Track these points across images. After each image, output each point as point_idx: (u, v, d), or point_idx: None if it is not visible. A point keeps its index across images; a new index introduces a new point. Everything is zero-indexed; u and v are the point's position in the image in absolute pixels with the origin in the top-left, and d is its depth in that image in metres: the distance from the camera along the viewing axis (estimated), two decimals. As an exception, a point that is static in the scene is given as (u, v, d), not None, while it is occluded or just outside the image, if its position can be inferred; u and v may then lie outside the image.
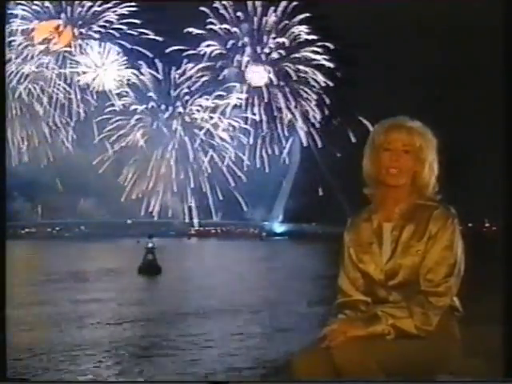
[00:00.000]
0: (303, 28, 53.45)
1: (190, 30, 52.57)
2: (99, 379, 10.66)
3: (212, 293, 21.51)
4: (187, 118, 54.14)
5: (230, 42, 54.17)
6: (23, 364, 11.48)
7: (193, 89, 53.65)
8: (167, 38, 51.85)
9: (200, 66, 53.35)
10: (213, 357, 12.39)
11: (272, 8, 53.45)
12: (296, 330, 14.60)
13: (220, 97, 53.69)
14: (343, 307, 2.69)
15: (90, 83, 53.25)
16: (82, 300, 20.02)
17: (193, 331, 14.93)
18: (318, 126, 53.72)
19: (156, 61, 52.99)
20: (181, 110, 53.94)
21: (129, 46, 53.16)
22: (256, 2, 53.71)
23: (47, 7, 52.57)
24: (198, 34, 53.08)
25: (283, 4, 53.35)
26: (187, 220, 54.62)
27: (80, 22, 53.40)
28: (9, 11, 46.23)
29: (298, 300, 19.55)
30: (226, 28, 54.16)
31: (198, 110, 53.93)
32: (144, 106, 53.62)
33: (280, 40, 54.14)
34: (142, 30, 52.66)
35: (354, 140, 49.46)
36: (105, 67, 53.62)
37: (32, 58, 52.21)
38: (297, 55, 54.02)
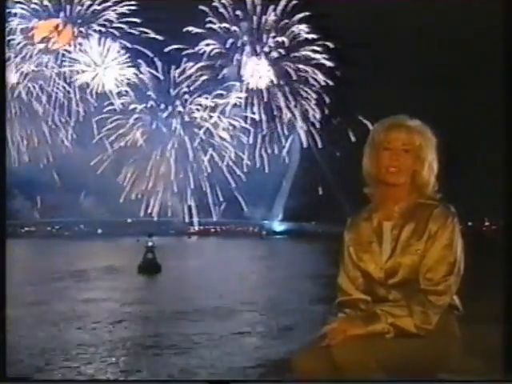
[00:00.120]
0: (303, 27, 53.49)
1: (190, 28, 52.60)
2: (98, 378, 10.66)
3: (212, 291, 21.50)
4: (187, 117, 54.17)
5: (230, 41, 54.21)
6: (23, 364, 11.48)
7: (192, 88, 53.69)
8: (167, 36, 51.90)
9: (199, 64, 53.37)
10: (213, 356, 12.39)
11: (272, 7, 53.50)
12: (295, 328, 14.62)
13: (220, 96, 53.72)
14: (343, 306, 2.69)
15: (89, 82, 53.29)
16: (81, 299, 20.03)
17: (192, 330, 14.93)
18: (317, 125, 53.79)
19: (155, 60, 53.03)
20: (180, 109, 54.00)
21: (128, 45, 53.20)
22: (255, 1, 53.74)
23: (46, 6, 52.57)
24: (197, 32, 53.10)
25: (283, 3, 53.38)
26: (187, 219, 54.68)
27: (79, 21, 53.43)
28: (7, 10, 46.19)
29: (297, 298, 19.56)
30: (225, 27, 54.20)
31: (197, 109, 53.97)
32: (143, 105, 53.66)
33: (280, 39, 54.20)
34: (141, 29, 52.72)
35: (353, 139, 49.52)
36: (104, 66, 53.62)
37: (31, 57, 52.24)
38: (296, 54, 54.05)
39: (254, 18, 53.97)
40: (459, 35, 41.91)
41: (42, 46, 52.32)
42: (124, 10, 53.04)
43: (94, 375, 11.05)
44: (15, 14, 51.03)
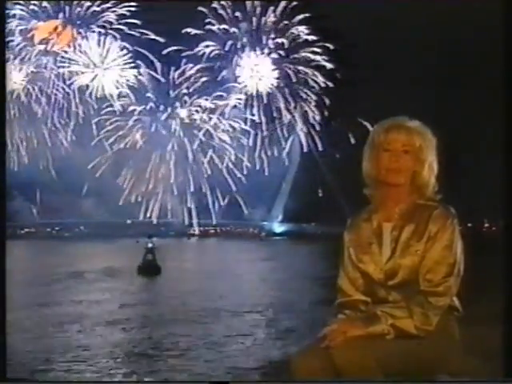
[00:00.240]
0: (303, 28, 53.39)
1: (189, 30, 52.58)
2: (98, 380, 10.65)
3: (212, 293, 21.50)
4: (186, 119, 54.15)
5: (229, 43, 54.17)
6: (23, 364, 11.48)
7: (192, 89, 53.67)
8: (166, 38, 51.88)
9: (199, 66, 53.36)
10: (212, 357, 12.39)
11: (271, 8, 53.42)
12: (296, 329, 14.62)
13: (219, 97, 53.71)
14: (343, 307, 2.69)
15: (88, 84, 53.29)
16: (81, 300, 20.02)
17: (192, 331, 14.92)
18: (317, 127, 53.67)
19: (155, 61, 53.01)
20: (180, 110, 53.96)
21: (128, 46, 53.19)
22: (255, 2, 53.69)
23: (45, 7, 52.57)
24: (196, 34, 53.08)
25: (282, 4, 53.28)
26: (187, 220, 54.64)
27: (79, 22, 53.42)
28: (6, 11, 46.17)
29: (297, 299, 19.55)
30: (224, 28, 54.18)
31: (197, 111, 53.95)
32: (143, 107, 53.63)
33: (279, 40, 54.14)
34: (141, 31, 52.69)
35: (353, 141, 49.44)
36: (104, 67, 53.64)
37: (30, 58, 52.24)
38: (296, 56, 54.02)
39: (254, 19, 53.94)
40: (459, 35, 41.92)
41: (41, 47, 52.33)
42: (123, 11, 53.03)
43: (94, 376, 11.05)
44: (14, 16, 51.02)
